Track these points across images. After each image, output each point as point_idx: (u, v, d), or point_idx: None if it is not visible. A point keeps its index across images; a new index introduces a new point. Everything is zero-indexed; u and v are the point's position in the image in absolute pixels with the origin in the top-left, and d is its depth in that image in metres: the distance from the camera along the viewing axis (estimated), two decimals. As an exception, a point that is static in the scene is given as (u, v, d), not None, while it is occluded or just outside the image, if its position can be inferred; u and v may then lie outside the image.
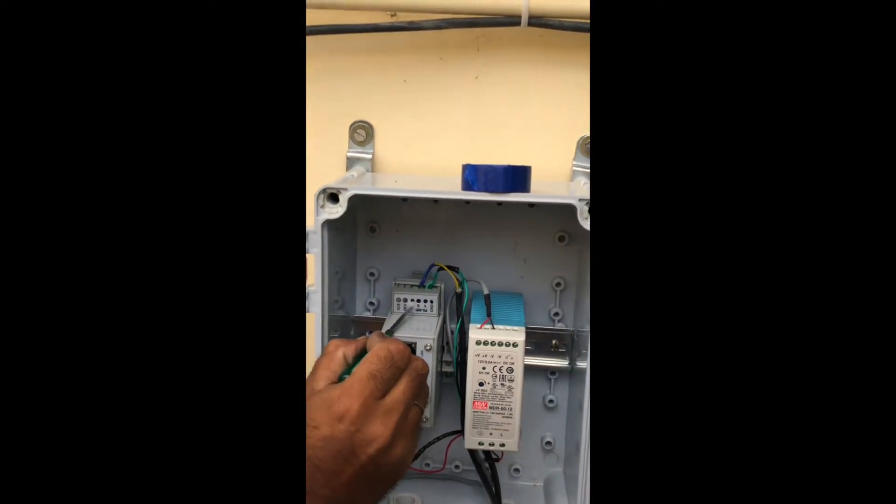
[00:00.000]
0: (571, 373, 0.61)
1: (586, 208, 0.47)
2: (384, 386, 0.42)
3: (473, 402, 0.50)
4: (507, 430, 0.51)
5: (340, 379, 0.44)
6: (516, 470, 0.64)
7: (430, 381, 0.53)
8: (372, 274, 0.61)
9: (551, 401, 0.62)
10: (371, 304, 0.62)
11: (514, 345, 0.49)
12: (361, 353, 0.46)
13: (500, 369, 0.50)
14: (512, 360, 0.50)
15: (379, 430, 0.41)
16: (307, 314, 0.50)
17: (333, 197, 0.49)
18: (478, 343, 0.50)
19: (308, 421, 0.40)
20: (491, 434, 0.51)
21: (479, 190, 0.48)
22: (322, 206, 0.49)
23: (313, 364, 0.46)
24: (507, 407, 0.50)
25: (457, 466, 0.63)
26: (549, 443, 0.63)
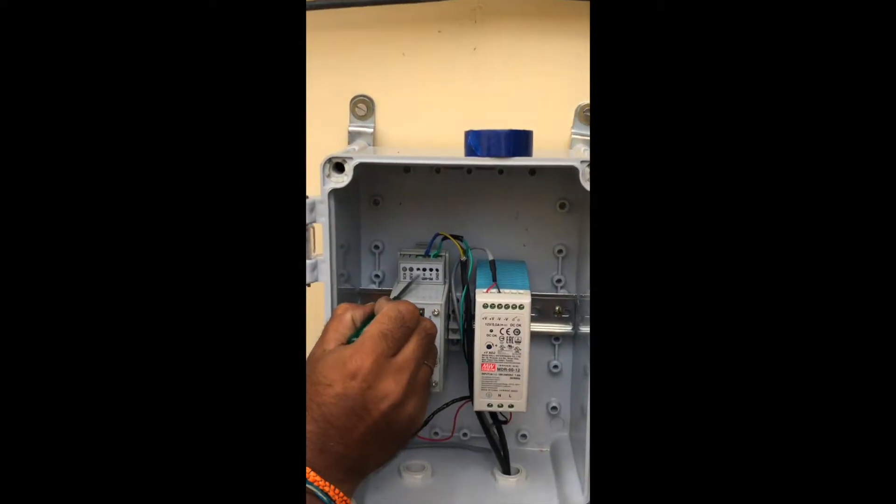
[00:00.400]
0: (575, 338, 0.62)
1: (588, 170, 0.48)
2: (395, 345, 0.43)
3: (482, 365, 0.51)
4: (515, 391, 0.52)
5: (349, 342, 0.45)
6: (523, 436, 0.65)
7: (439, 344, 0.54)
8: (377, 247, 0.62)
9: (556, 366, 0.63)
10: (377, 276, 0.63)
11: (520, 307, 0.50)
12: (370, 317, 0.47)
13: (506, 331, 0.51)
14: (518, 322, 0.51)
15: (391, 386, 0.41)
16: (316, 283, 0.51)
17: (339, 166, 0.50)
18: (485, 306, 0.51)
19: (321, 379, 0.41)
20: (500, 395, 0.52)
21: (482, 155, 0.49)
22: (328, 176, 0.50)
23: (323, 329, 0.47)
24: (514, 368, 0.51)
25: (465, 434, 0.64)
26: (554, 408, 0.64)
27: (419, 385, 0.44)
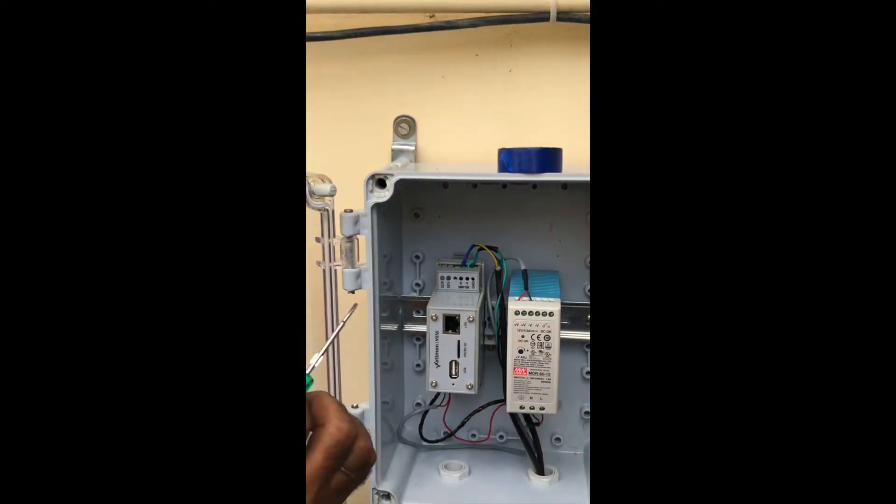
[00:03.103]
0: (607, 345, 0.64)
1: (613, 185, 0.51)
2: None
3: (514, 369, 0.55)
4: (546, 395, 0.55)
5: None
6: (557, 439, 0.67)
7: (474, 350, 0.57)
8: (417, 257, 0.66)
9: (588, 372, 0.66)
10: (417, 285, 0.66)
11: (550, 314, 0.54)
12: None
13: (537, 337, 0.54)
14: (549, 329, 0.54)
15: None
16: (360, 290, 0.55)
17: (381, 182, 0.54)
18: (516, 313, 0.54)
19: None
20: (531, 398, 0.55)
21: (513, 171, 0.52)
22: (371, 191, 0.54)
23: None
24: (545, 372, 0.54)
25: (501, 437, 0.68)
26: (587, 413, 0.66)
27: (328, 495, 0.42)
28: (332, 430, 0.43)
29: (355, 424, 0.44)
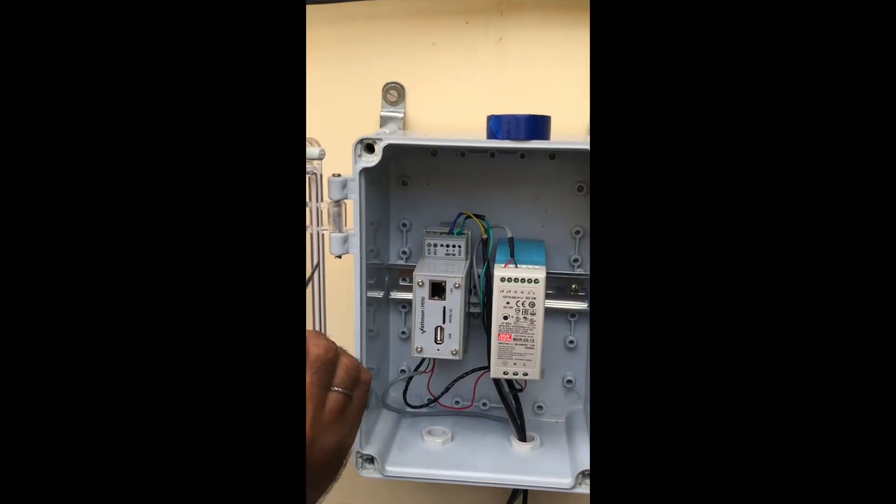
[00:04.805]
0: (590, 315, 0.65)
1: (601, 153, 0.51)
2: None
3: (499, 335, 0.55)
4: (529, 361, 0.56)
5: None
6: (539, 407, 0.68)
7: (458, 320, 0.57)
8: (404, 225, 0.66)
9: (572, 342, 0.66)
10: (404, 252, 0.67)
11: (536, 281, 0.54)
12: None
13: (522, 304, 0.54)
14: (534, 296, 0.54)
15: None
16: (346, 255, 0.55)
17: (369, 147, 0.54)
18: (502, 280, 0.54)
19: None
20: (515, 364, 0.56)
21: (502, 138, 0.52)
22: (359, 156, 0.54)
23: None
24: (529, 339, 0.55)
25: (484, 404, 0.68)
26: (570, 381, 0.67)
27: (328, 418, 0.43)
28: (310, 348, 0.44)
29: (334, 344, 0.45)
